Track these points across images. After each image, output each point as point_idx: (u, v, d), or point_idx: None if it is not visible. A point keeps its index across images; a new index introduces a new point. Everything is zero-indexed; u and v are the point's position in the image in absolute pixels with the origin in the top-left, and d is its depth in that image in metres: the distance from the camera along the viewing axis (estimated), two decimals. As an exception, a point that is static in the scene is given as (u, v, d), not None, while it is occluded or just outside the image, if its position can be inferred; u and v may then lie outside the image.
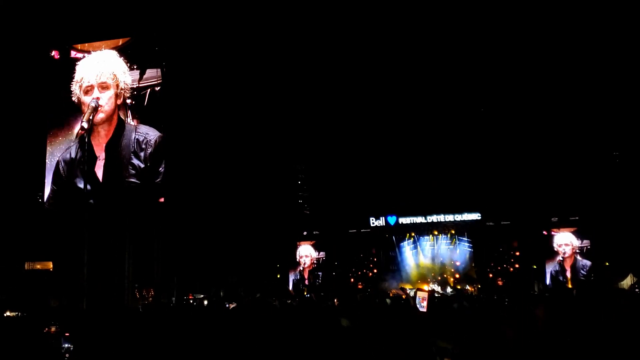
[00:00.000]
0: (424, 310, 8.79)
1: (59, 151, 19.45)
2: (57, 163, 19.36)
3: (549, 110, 23.49)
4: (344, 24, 20.55)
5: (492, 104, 24.28)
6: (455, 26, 20.90)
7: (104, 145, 18.80)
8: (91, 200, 18.31)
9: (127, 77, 19.15)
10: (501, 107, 24.17)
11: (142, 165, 18.50)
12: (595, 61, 21.20)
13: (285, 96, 23.38)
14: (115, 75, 19.01)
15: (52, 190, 19.03)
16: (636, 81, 20.87)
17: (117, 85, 18.97)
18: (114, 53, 19.35)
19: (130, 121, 19.02)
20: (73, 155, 19.12)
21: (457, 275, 26.85)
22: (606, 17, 19.51)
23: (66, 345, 7.82)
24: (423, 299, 8.93)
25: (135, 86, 19.37)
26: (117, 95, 18.96)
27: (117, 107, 18.90)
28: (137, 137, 18.82)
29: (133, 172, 18.60)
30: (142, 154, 18.61)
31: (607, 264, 23.80)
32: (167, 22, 19.54)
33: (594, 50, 20.78)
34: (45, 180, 19.27)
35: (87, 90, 18.89)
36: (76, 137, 18.63)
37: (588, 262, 24.30)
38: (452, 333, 7.88)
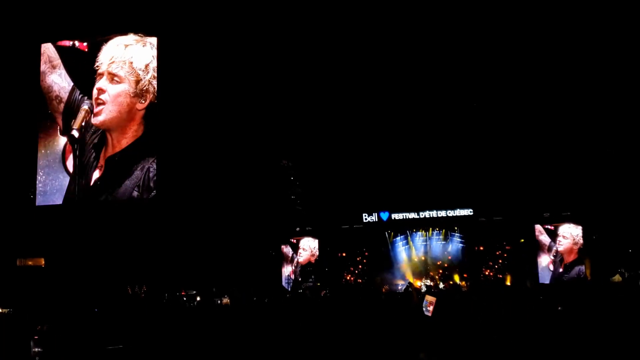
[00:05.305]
0: (429, 314, 8.78)
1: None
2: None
3: (541, 105, 23.54)
4: (334, 17, 20.48)
5: (484, 100, 24.31)
6: (445, 20, 20.90)
7: (105, 157, 16.28)
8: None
9: (156, 79, 16.18)
10: (494, 102, 24.20)
11: (142, 197, 16.00)
12: (585, 57, 21.26)
13: (276, 92, 23.33)
14: (132, 66, 16.35)
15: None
16: (628, 77, 20.97)
17: (137, 82, 16.31)
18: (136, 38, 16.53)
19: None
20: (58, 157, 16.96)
21: (449, 271, 26.95)
22: (597, 11, 19.58)
23: (36, 349, 7.81)
24: (430, 303, 8.91)
25: None
26: (136, 95, 16.07)
27: (142, 118, 15.91)
28: (149, 166, 16.04)
29: (128, 199, 16.19)
30: (143, 192, 16.03)
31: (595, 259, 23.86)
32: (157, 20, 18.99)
33: (584, 44, 20.83)
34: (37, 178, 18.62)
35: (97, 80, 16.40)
36: (63, 149, 16.71)
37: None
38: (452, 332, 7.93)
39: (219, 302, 20.40)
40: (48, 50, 18.65)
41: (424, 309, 8.92)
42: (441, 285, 25.50)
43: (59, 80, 18.13)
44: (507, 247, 26.18)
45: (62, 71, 18.20)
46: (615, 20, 19.91)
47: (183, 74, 20.75)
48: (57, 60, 18.22)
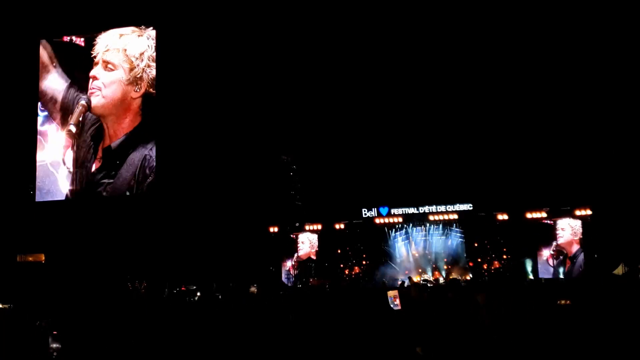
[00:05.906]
0: (399, 307, 8.82)
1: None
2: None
3: (540, 102, 23.57)
4: (331, 14, 20.48)
5: (484, 97, 24.35)
6: (444, 17, 20.91)
7: (102, 148, 16.31)
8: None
9: (151, 68, 16.25)
10: (493, 101, 24.24)
11: (138, 187, 16.17)
12: (583, 54, 21.28)
13: (276, 88, 23.35)
14: (126, 54, 16.44)
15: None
16: (625, 73, 20.99)
17: (131, 70, 16.40)
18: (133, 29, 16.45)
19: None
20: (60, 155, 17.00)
21: (449, 265, 26.99)
22: (593, 7, 19.60)
23: (54, 345, 7.77)
24: (395, 297, 8.96)
25: None
26: (130, 83, 16.19)
27: (139, 108, 15.85)
28: (146, 153, 16.17)
29: (127, 193, 16.39)
30: (140, 182, 16.13)
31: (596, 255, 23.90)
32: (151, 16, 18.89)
33: (578, 41, 20.85)
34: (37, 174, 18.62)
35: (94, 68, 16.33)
36: (62, 144, 16.78)
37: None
38: (430, 330, 7.93)
39: (224, 293, 20.42)
40: (43, 55, 18.66)
41: (391, 304, 8.96)
42: (441, 280, 25.55)
43: (51, 84, 18.24)
44: (506, 242, 26.21)
45: (55, 73, 18.24)
46: (615, 21, 19.91)
47: (182, 69, 20.75)
48: (50, 65, 18.28)
